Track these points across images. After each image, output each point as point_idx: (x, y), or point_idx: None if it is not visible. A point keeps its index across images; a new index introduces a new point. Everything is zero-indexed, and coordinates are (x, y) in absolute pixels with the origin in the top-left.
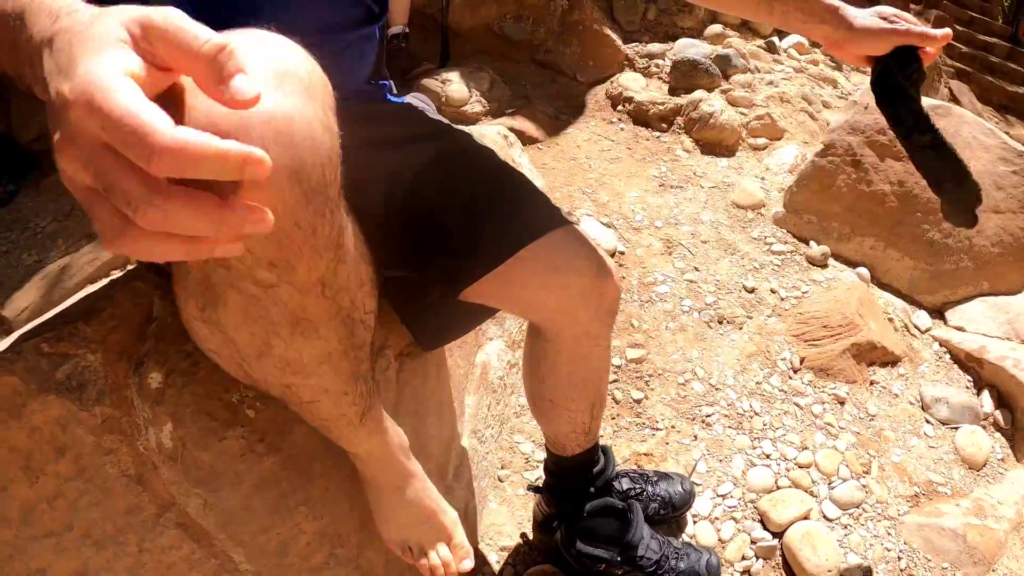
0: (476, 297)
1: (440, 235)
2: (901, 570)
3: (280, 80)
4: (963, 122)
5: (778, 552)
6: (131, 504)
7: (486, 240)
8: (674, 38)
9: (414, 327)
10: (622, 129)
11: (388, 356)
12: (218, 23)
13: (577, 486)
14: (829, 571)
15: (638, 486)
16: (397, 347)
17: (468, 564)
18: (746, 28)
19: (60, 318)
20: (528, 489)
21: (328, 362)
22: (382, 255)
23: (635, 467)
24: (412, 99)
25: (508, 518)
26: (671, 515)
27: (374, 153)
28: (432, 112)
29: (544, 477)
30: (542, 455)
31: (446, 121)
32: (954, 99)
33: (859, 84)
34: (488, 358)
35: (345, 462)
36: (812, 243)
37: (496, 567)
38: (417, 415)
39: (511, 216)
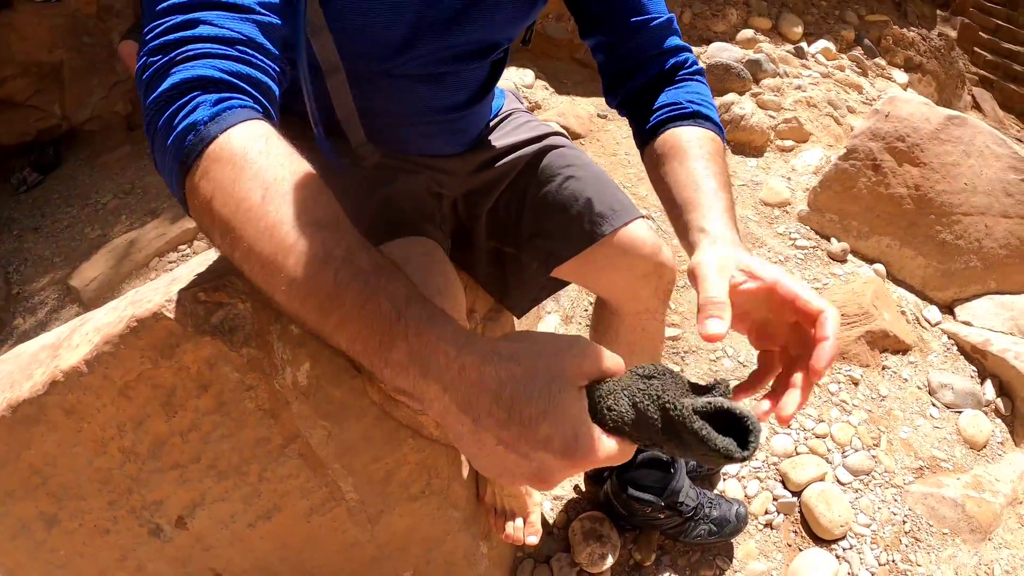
0: (560, 274)
1: (540, 220)
2: (906, 532)
3: None
4: (977, 132)
5: (796, 508)
6: (260, 436)
7: (576, 227)
8: (708, 41)
9: (507, 297)
10: None
11: (476, 318)
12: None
13: None
14: (842, 526)
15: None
16: (481, 311)
17: (533, 540)
18: (776, 33)
19: (212, 272)
20: None
21: None
22: (495, 233)
23: None
24: (507, 98)
25: None
26: (707, 472)
27: (490, 171)
28: (524, 109)
29: None
30: None
31: (543, 123)
32: (976, 106)
33: (883, 90)
34: (547, 328)
35: None
36: (833, 240)
37: (550, 514)
38: None
39: (596, 207)
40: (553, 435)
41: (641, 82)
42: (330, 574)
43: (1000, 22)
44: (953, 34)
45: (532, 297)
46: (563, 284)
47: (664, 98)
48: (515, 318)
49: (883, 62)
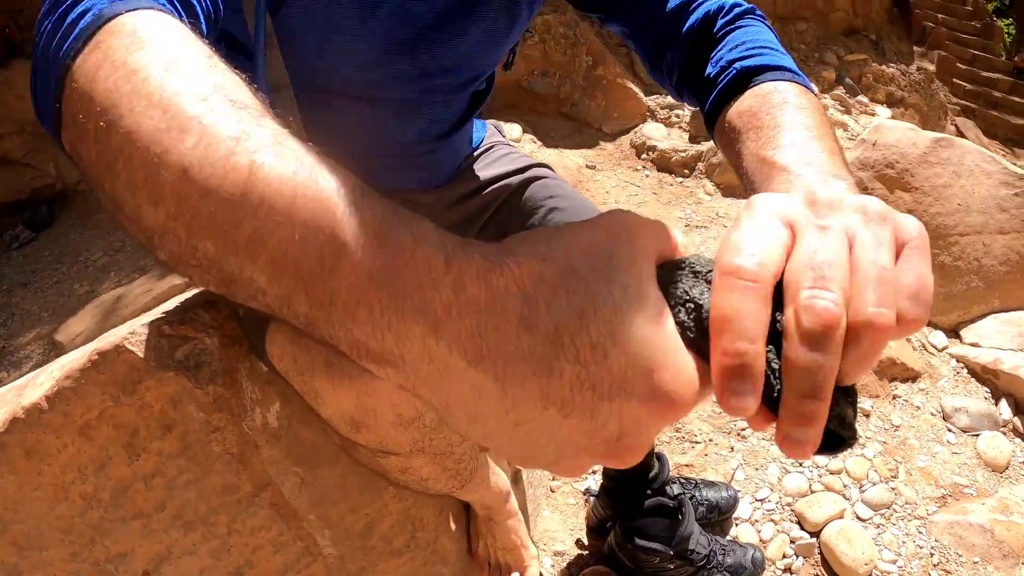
0: None
1: None
2: (935, 566)
3: None
4: (965, 152)
5: (816, 550)
6: (228, 483)
7: None
8: None
9: None
10: (647, 175)
11: None
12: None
13: (633, 487)
14: (866, 564)
15: (687, 491)
16: None
17: None
18: None
19: (180, 307)
20: (584, 493)
21: (429, 480)
22: None
23: (681, 476)
24: (488, 130)
25: (561, 525)
26: (717, 518)
27: (469, 203)
28: (507, 142)
29: (601, 482)
30: (592, 468)
31: (525, 156)
32: (960, 135)
33: (867, 126)
34: None
35: None
36: None
37: (550, 570)
38: None
39: None
40: (633, 366)
41: (677, 55)
42: None
43: (976, 52)
44: (932, 67)
45: None
46: None
47: (710, 67)
48: None
49: (865, 99)
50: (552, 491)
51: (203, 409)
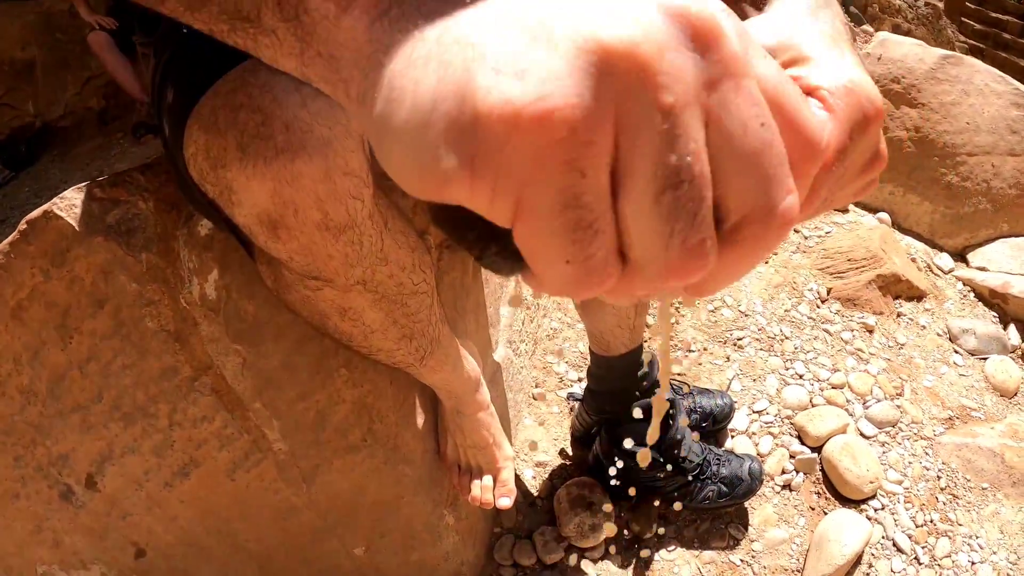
0: None
1: None
2: (942, 489)
3: None
4: (975, 71)
5: (818, 466)
6: (166, 366)
7: None
8: None
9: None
10: None
11: (428, 242)
12: None
13: (621, 388)
14: (871, 482)
15: (680, 397)
16: (438, 236)
17: (506, 502)
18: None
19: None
20: (568, 397)
21: (377, 332)
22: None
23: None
24: None
25: (544, 434)
26: (712, 428)
27: None
28: None
29: (586, 383)
30: (576, 375)
31: None
32: None
33: (871, 54)
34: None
35: None
36: None
37: (532, 482)
38: (455, 309)
39: None
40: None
41: None
42: (267, 551)
43: None
44: (940, 3)
45: None
46: None
47: None
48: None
49: (870, 29)
50: (535, 399)
51: (136, 280)
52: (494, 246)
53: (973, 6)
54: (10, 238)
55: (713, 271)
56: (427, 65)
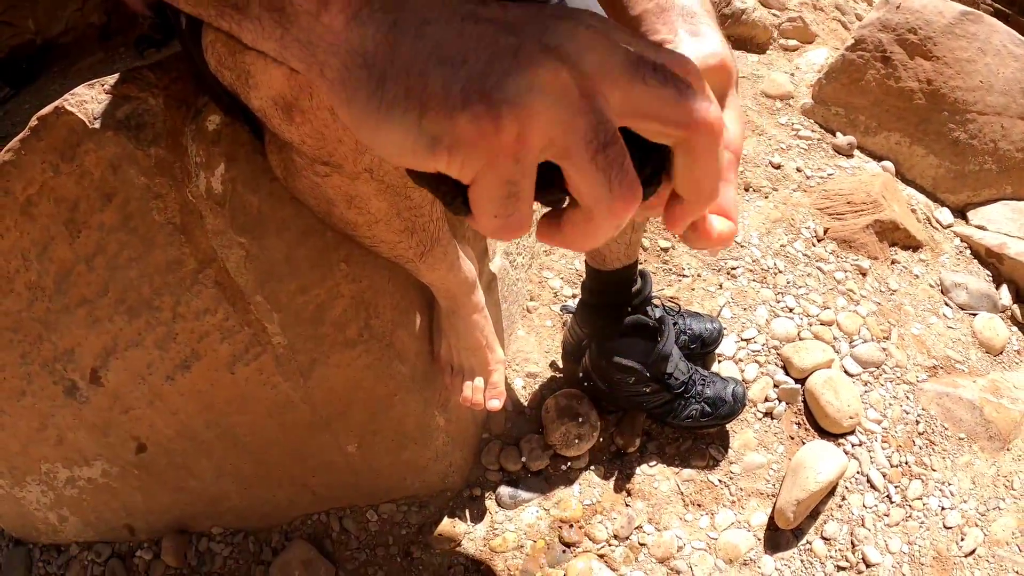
0: None
1: None
2: (919, 433)
3: None
4: (993, 31)
5: (800, 397)
6: (171, 258)
7: None
8: None
9: None
10: None
11: None
12: None
13: (613, 303)
14: (851, 417)
15: (670, 316)
16: None
17: (496, 404)
18: None
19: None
20: (561, 309)
21: (381, 222)
22: None
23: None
24: None
25: (535, 346)
26: (700, 350)
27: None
28: None
29: (580, 296)
30: (571, 291)
31: None
32: None
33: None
34: None
35: None
36: (839, 134)
37: (522, 391)
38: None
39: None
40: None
41: None
42: (263, 445)
43: None
44: None
45: None
46: None
47: None
48: None
49: None
50: (528, 311)
51: (144, 173)
52: (461, 197)
53: None
54: (21, 134)
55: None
56: (410, 70)
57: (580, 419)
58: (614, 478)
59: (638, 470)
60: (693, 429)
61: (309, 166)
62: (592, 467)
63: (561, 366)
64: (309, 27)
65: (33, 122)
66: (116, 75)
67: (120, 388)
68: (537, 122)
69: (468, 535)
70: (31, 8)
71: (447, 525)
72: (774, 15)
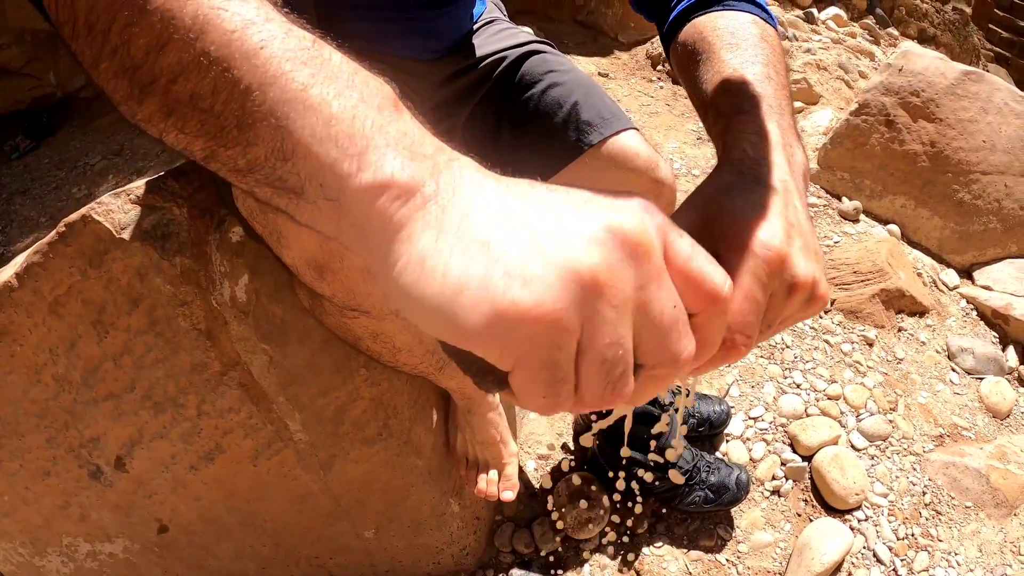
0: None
1: (520, 132)
2: (926, 505)
3: None
4: (995, 89)
5: (807, 475)
6: (197, 361)
7: (560, 138)
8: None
9: None
10: (661, 87)
11: None
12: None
13: None
14: (857, 494)
15: (675, 403)
16: None
17: (509, 496)
18: None
19: (151, 178)
20: None
21: (404, 351)
22: (471, 150)
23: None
24: (488, 5)
25: (547, 429)
26: (708, 432)
27: (463, 79)
28: (506, 18)
29: None
30: None
31: (525, 31)
32: None
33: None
34: None
35: None
36: (844, 199)
37: (534, 473)
38: None
39: (582, 115)
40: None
41: None
42: (283, 530)
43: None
44: (968, 9)
45: None
46: None
47: None
48: None
49: (895, 32)
50: None
51: (170, 282)
52: (491, 376)
53: (1002, 13)
54: (48, 238)
55: (632, 395)
56: (451, 255)
57: (591, 501)
58: (623, 559)
59: (647, 551)
60: (698, 514)
61: (338, 311)
62: (602, 548)
63: (572, 447)
64: (363, 215)
65: (61, 228)
66: (141, 183)
67: (144, 475)
68: (572, 316)
69: None
70: (53, 62)
71: None
72: None
